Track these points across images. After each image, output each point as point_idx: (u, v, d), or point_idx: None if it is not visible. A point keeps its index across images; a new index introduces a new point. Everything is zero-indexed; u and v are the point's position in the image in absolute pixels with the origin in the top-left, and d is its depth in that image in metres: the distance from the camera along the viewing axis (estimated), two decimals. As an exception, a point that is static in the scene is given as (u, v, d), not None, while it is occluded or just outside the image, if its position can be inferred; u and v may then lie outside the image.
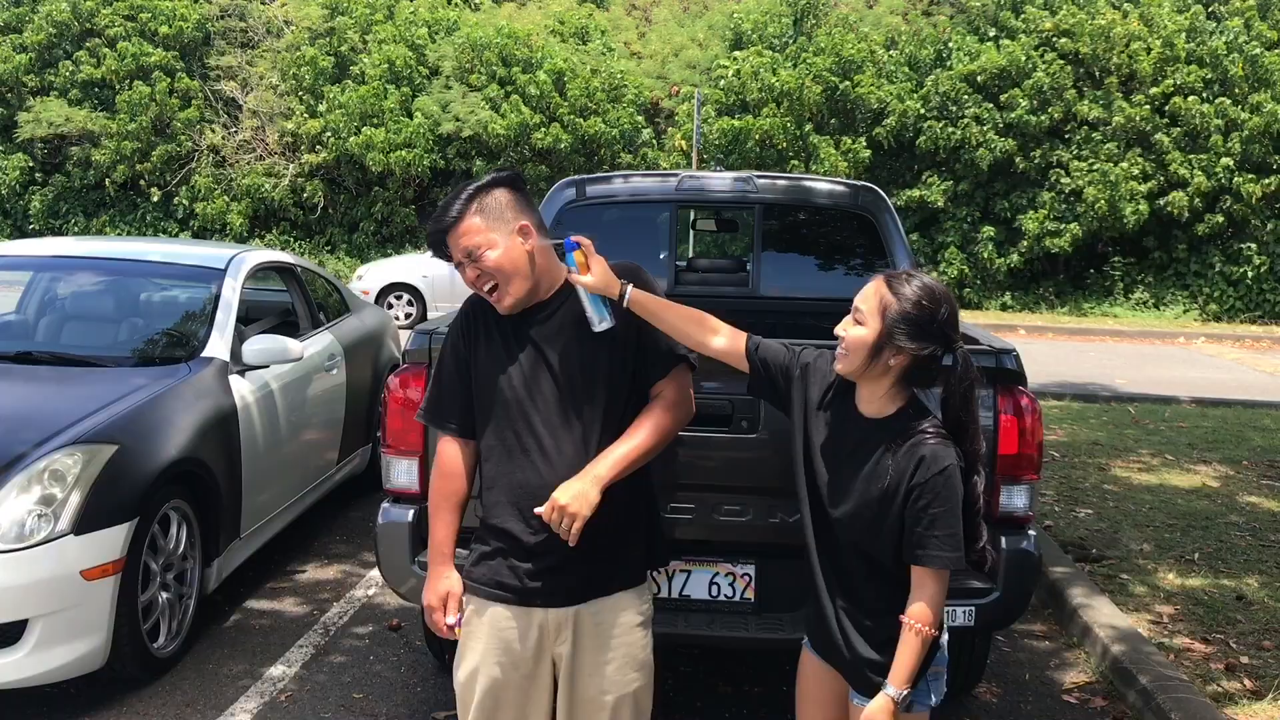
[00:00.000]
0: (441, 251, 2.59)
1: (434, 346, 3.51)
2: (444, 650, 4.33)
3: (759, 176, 5.17)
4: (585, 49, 20.58)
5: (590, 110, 19.09)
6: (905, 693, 2.37)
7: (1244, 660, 4.51)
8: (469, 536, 3.63)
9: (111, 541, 3.97)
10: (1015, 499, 3.40)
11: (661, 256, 5.34)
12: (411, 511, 3.56)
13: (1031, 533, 3.47)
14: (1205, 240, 18.30)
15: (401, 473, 3.57)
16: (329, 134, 19.16)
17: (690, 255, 8.25)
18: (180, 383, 4.69)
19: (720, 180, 5.18)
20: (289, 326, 6.04)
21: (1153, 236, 18.54)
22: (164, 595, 4.37)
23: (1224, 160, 17.61)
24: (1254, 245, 17.99)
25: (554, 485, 2.52)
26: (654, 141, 19.83)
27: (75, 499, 3.90)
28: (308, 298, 6.29)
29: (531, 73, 19.15)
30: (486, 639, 2.66)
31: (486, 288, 2.58)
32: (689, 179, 5.16)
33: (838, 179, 5.83)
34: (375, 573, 5.53)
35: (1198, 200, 17.83)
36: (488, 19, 20.78)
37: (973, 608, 3.35)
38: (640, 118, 19.65)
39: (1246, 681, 4.30)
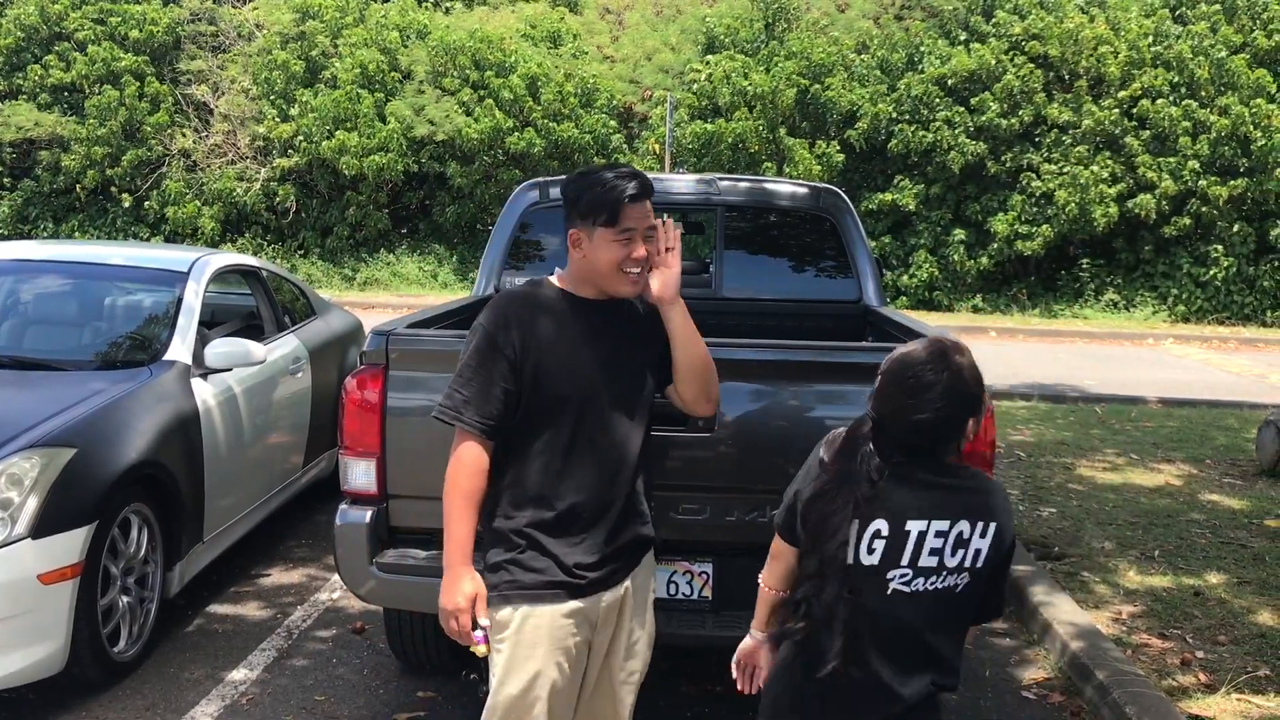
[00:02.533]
0: (637, 201, 2.65)
1: (391, 348, 3.52)
2: (407, 652, 4.33)
3: (721, 179, 5.20)
4: (557, 52, 20.58)
5: (563, 114, 19.09)
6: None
7: (1200, 655, 4.56)
8: (424, 537, 3.66)
9: (69, 545, 3.95)
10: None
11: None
12: (369, 513, 3.57)
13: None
14: (1173, 242, 18.44)
15: (360, 474, 3.57)
16: (301, 138, 19.08)
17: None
18: (141, 386, 4.67)
19: (683, 182, 5.21)
20: (253, 330, 6.03)
21: (1121, 239, 18.67)
22: (124, 599, 4.35)
23: (1191, 163, 17.77)
24: (1221, 247, 18.15)
25: (612, 482, 2.69)
26: (626, 146, 19.85)
27: (32, 503, 3.88)
28: (272, 301, 6.27)
29: (505, 76, 19.14)
30: (547, 643, 2.64)
31: (636, 269, 2.67)
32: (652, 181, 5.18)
33: (800, 181, 5.86)
34: (339, 576, 5.52)
35: (1165, 203, 17.98)
36: (460, 22, 20.75)
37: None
38: (613, 122, 19.66)
39: (1201, 676, 4.36)
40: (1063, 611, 4.92)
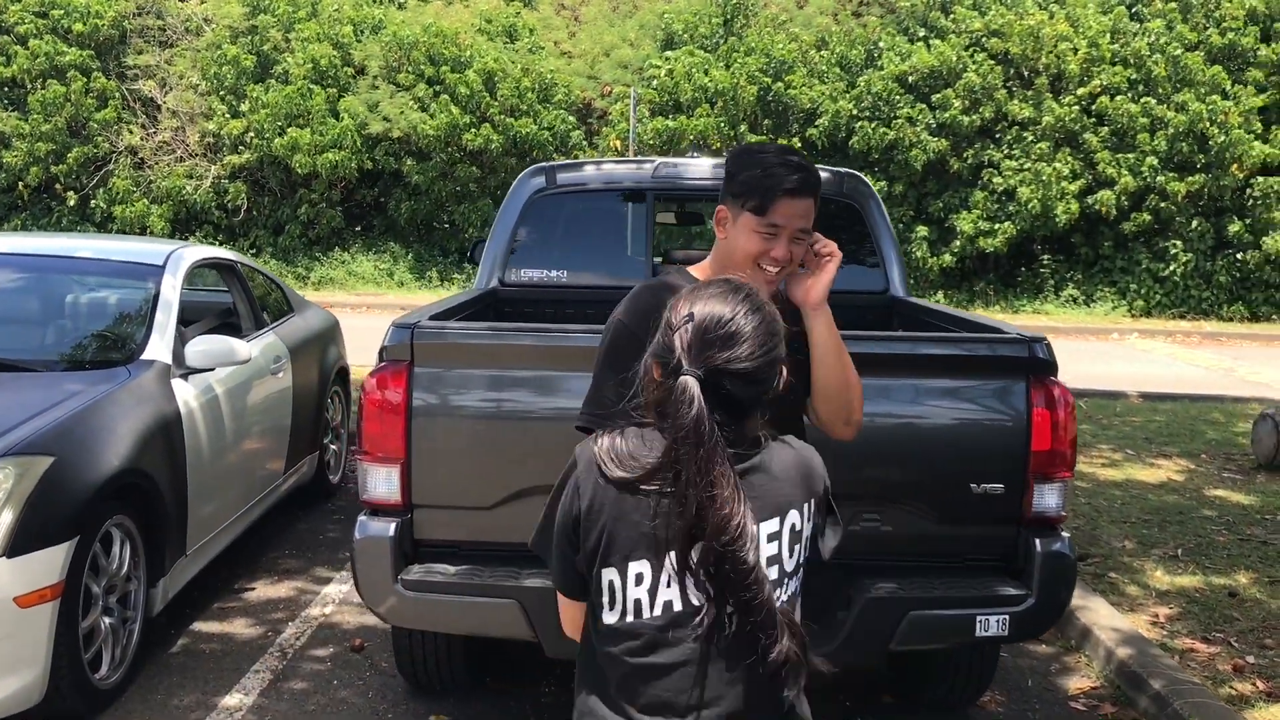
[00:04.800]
0: (795, 196, 2.39)
1: (416, 342, 3.20)
2: (418, 673, 4.01)
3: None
4: (514, 48, 20.21)
5: (521, 110, 18.74)
6: None
7: (1250, 660, 4.37)
8: (451, 550, 3.35)
9: (49, 564, 3.58)
10: (1048, 498, 3.19)
11: (636, 248, 5.07)
12: (393, 524, 3.24)
13: (1065, 534, 3.27)
14: (1132, 238, 18.49)
15: (380, 481, 3.25)
16: (252, 134, 18.54)
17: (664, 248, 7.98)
18: (119, 388, 4.30)
19: (698, 166, 4.93)
20: (230, 328, 5.64)
21: (1081, 234, 18.70)
22: (106, 620, 3.98)
23: (1150, 159, 17.82)
24: (1179, 243, 18.23)
25: None
26: (587, 142, 19.54)
27: (7, 518, 3.51)
28: (250, 297, 5.90)
29: (461, 72, 18.74)
30: None
31: (777, 269, 2.42)
32: (665, 165, 4.92)
33: (822, 166, 5.60)
34: (332, 589, 5.19)
35: (1125, 199, 18.02)
36: (414, 17, 20.29)
37: (1006, 616, 3.13)
38: (572, 118, 19.35)
39: (1259, 683, 4.16)
40: (1100, 616, 4.71)
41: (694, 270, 2.55)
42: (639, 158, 8.23)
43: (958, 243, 18.31)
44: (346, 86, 19.18)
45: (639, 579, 1.82)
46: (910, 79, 18.55)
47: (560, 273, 5.01)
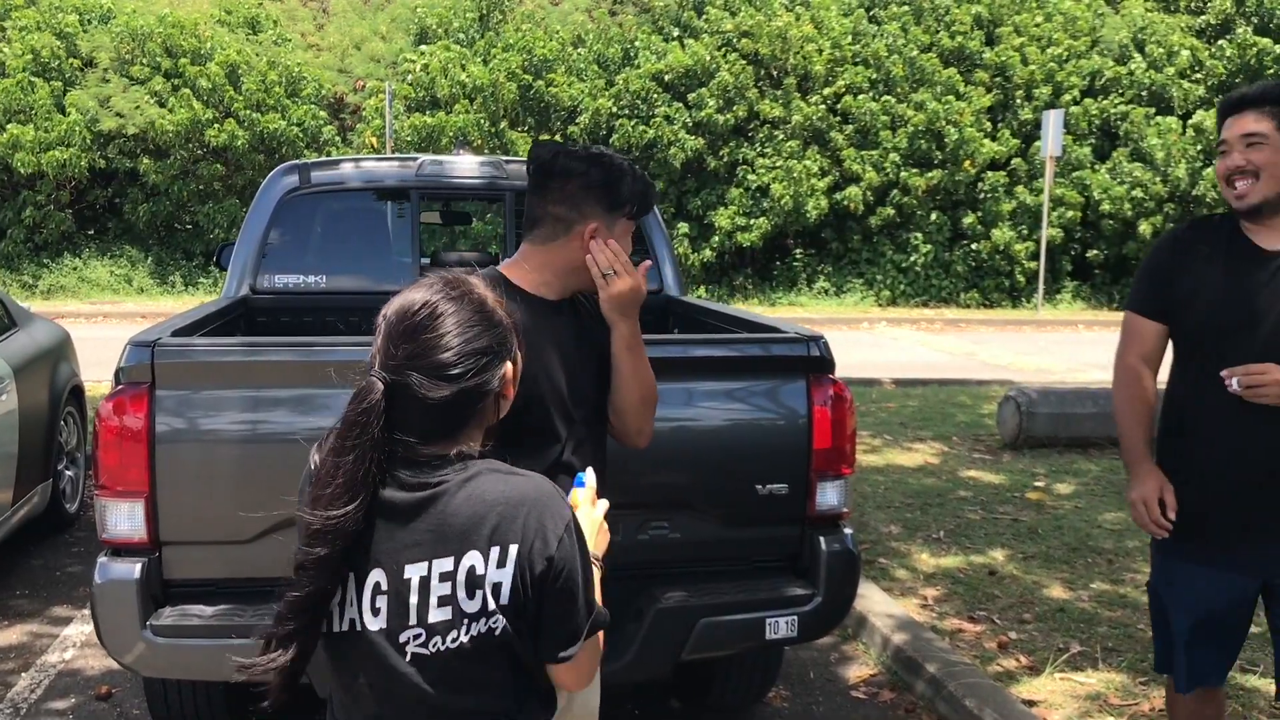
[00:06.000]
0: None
1: (158, 362, 2.89)
2: (170, 715, 3.65)
3: (508, 161, 4.77)
4: (258, 40, 19.29)
5: (268, 105, 17.89)
6: None
7: (1013, 636, 4.56)
8: (207, 590, 3.04)
9: None
10: (831, 496, 3.19)
11: (400, 250, 4.83)
12: (139, 565, 2.91)
13: (848, 531, 3.28)
14: (878, 231, 19.42)
15: (122, 518, 2.91)
16: (-35, 131, 16.97)
17: (432, 249, 7.70)
18: None
19: (466, 166, 4.73)
20: (-59, 347, 5.06)
21: (830, 229, 19.49)
22: None
23: (892, 156, 18.75)
24: (920, 235, 19.26)
25: None
26: (340, 139, 18.87)
27: None
28: (-37, 312, 5.30)
29: (201, 64, 17.72)
30: None
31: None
32: (431, 164, 4.69)
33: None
34: (72, 630, 4.72)
35: (870, 194, 18.89)
36: (147, 7, 19.04)
37: (795, 617, 3.11)
38: (323, 113, 18.64)
39: (1021, 658, 4.34)
40: (875, 603, 4.82)
41: (508, 272, 2.34)
42: (400, 155, 7.93)
43: (716, 238, 18.74)
44: (74, 80, 17.84)
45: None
46: (667, 78, 18.84)
47: (318, 278, 4.72)
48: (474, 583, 1.68)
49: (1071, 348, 14.62)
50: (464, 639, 1.69)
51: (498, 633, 1.70)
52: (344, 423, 1.68)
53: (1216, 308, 2.72)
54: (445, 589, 1.68)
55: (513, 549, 1.67)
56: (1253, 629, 2.94)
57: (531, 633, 1.73)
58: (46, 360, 5.88)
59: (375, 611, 1.71)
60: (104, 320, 15.03)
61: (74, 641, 4.60)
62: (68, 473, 6.15)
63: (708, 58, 18.69)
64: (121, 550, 2.93)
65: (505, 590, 1.68)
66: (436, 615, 1.68)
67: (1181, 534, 2.76)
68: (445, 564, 1.68)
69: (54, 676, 4.29)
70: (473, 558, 1.68)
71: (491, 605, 1.68)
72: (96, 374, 5.79)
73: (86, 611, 4.80)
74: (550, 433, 2.26)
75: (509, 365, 1.77)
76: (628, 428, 2.44)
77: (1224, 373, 2.66)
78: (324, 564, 1.68)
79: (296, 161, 4.75)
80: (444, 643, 1.69)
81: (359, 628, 1.72)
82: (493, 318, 1.74)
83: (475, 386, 1.71)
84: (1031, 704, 3.93)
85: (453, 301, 1.71)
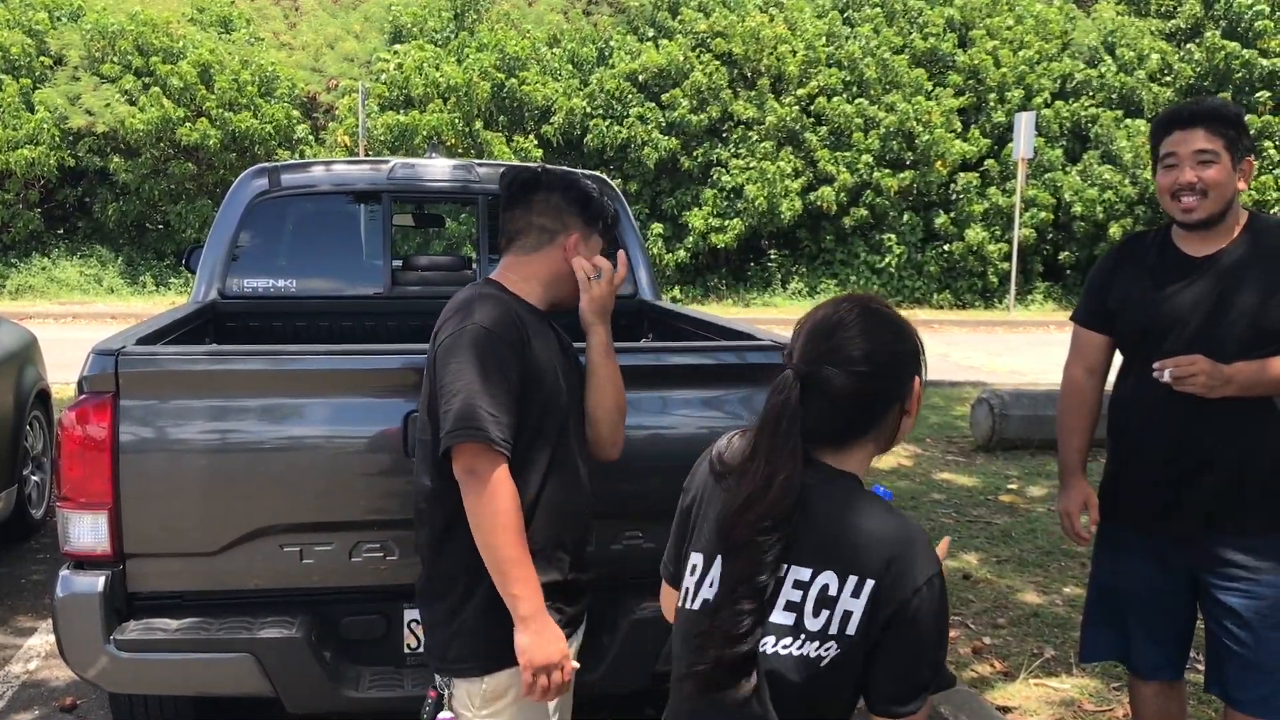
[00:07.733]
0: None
1: (122, 370, 2.83)
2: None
3: (480, 164, 4.73)
4: (230, 38, 19.13)
5: (241, 104, 17.74)
6: None
7: (987, 641, 4.56)
8: (173, 602, 2.99)
9: None
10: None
11: (372, 254, 4.78)
12: (102, 578, 2.85)
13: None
14: (851, 232, 19.47)
15: (85, 530, 2.85)
16: (-69, 129, 16.74)
17: (405, 252, 7.63)
18: None
19: (438, 169, 4.69)
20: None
21: (804, 229, 19.52)
22: None
23: (865, 157, 18.80)
24: (893, 236, 19.31)
25: (587, 508, 2.45)
26: (313, 138, 18.73)
27: None
28: (-75, 316, 5.20)
29: (173, 63, 17.55)
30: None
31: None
32: (402, 166, 4.64)
33: (569, 169, 5.48)
34: (36, 640, 4.64)
35: (843, 195, 18.93)
36: (119, 4, 18.84)
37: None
38: (296, 112, 18.50)
39: (996, 664, 4.34)
40: (849, 608, 4.80)
41: (503, 280, 2.44)
42: (373, 157, 7.87)
43: (691, 239, 18.73)
44: (43, 78, 17.65)
45: (693, 569, 1.80)
46: (641, 78, 18.82)
47: (288, 282, 4.65)
48: (824, 602, 1.65)
49: (1043, 348, 14.69)
50: (795, 653, 1.66)
51: (824, 664, 1.65)
52: (760, 415, 1.76)
53: (1148, 314, 2.85)
54: (795, 596, 1.67)
55: (869, 584, 1.64)
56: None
57: (864, 676, 1.68)
58: (11, 364, 5.79)
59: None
60: (74, 321, 14.86)
61: (38, 652, 4.53)
62: (33, 478, 6.06)
63: (681, 58, 18.69)
64: (84, 563, 2.88)
65: (855, 622, 1.64)
66: (779, 617, 1.67)
67: (1114, 516, 2.99)
68: (802, 573, 1.67)
69: (17, 688, 4.22)
70: (827, 577, 1.66)
71: (834, 630, 1.64)
72: (65, 376, 5.70)
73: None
74: (563, 428, 2.37)
75: (918, 381, 1.77)
76: (602, 437, 2.52)
77: (1155, 365, 2.76)
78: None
79: (266, 164, 4.69)
80: (773, 646, 1.67)
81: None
82: (904, 330, 1.77)
83: (883, 390, 1.73)
84: (1006, 710, 3.93)
85: (869, 312, 1.76)
